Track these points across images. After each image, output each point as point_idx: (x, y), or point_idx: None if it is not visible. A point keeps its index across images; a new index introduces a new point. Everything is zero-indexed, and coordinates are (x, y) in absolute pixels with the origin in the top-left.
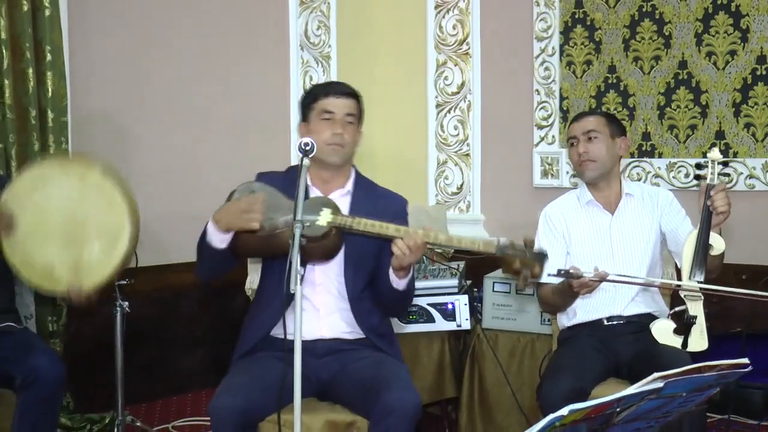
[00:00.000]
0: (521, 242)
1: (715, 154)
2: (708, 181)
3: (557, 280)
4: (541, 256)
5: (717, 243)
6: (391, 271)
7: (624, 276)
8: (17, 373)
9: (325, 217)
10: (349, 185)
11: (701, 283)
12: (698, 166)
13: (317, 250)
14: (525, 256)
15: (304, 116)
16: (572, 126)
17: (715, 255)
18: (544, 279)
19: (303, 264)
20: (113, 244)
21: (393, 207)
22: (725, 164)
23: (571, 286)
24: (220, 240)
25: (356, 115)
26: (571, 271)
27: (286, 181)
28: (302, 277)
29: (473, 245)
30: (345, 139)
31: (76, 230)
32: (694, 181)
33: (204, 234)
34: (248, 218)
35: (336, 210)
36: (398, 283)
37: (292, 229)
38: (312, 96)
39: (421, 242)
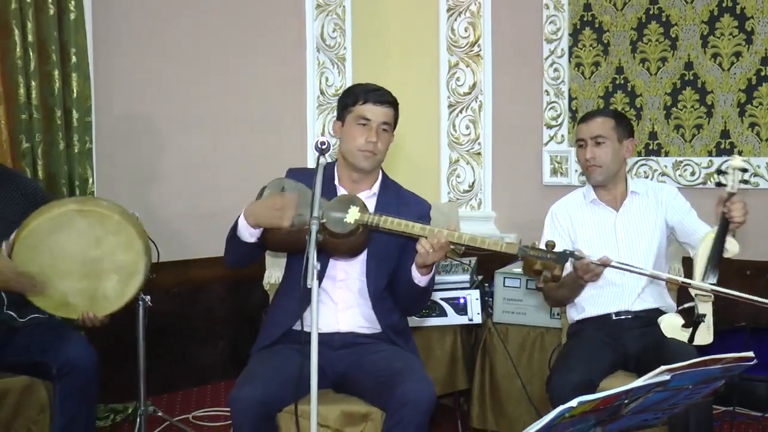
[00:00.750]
0: (543, 245)
1: (737, 162)
2: (729, 189)
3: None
4: (563, 257)
5: (732, 247)
6: (414, 267)
7: (628, 265)
8: (53, 362)
9: (352, 215)
10: (376, 187)
11: (713, 285)
12: (719, 173)
13: (344, 246)
14: (546, 258)
15: (340, 115)
16: (581, 127)
17: (727, 257)
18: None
19: (328, 258)
20: (128, 280)
21: (417, 211)
22: (744, 171)
23: (578, 273)
24: (249, 234)
25: (391, 123)
26: (576, 252)
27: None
28: (321, 272)
29: (496, 246)
30: (378, 147)
31: (93, 267)
32: (701, 180)
33: (235, 227)
34: (279, 216)
35: (364, 208)
36: (420, 279)
37: (319, 225)
38: (352, 98)
39: (445, 242)
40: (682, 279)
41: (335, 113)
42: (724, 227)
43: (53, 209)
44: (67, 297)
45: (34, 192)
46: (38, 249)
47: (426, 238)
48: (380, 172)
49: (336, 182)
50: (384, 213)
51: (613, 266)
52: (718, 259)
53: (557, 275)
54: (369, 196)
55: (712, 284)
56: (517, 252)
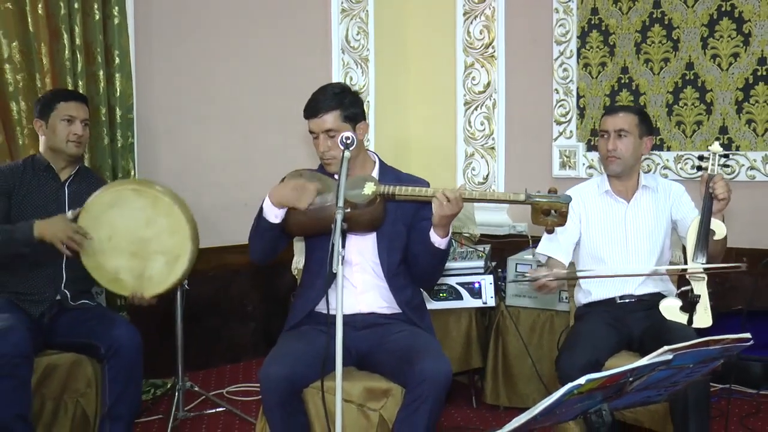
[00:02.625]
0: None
1: (716, 147)
2: (709, 171)
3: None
4: (566, 197)
5: (719, 228)
6: (432, 231)
7: (588, 271)
8: (101, 343)
9: (369, 188)
10: (375, 173)
11: (718, 268)
12: (701, 158)
13: (363, 217)
14: (551, 199)
15: None
16: (606, 119)
17: (717, 240)
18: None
19: (345, 239)
20: (174, 263)
21: None
22: (726, 156)
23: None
24: (274, 215)
25: (335, 128)
26: (527, 275)
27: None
28: (344, 258)
29: (505, 196)
30: (331, 153)
31: (142, 247)
32: (700, 173)
33: (259, 216)
34: (299, 196)
35: (378, 182)
36: (439, 242)
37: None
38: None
39: (458, 194)
40: (666, 268)
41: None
42: (709, 206)
43: (114, 186)
44: (118, 273)
45: (101, 184)
46: (99, 221)
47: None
48: (376, 159)
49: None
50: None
51: (564, 278)
52: (705, 239)
53: (564, 213)
54: None
55: (701, 263)
56: (525, 198)
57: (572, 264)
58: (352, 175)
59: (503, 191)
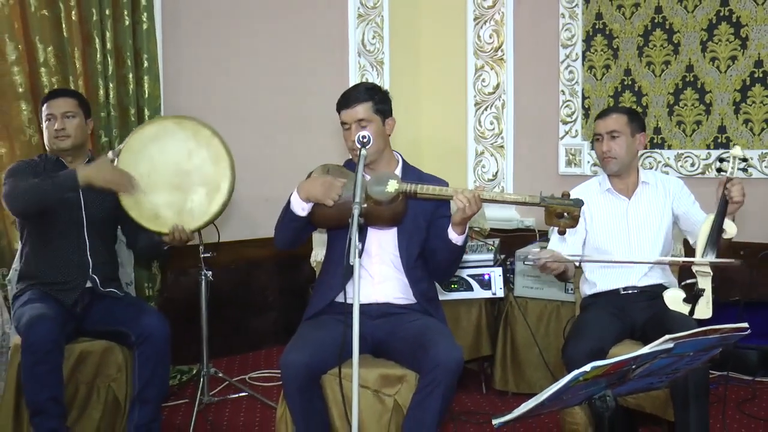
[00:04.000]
0: (559, 194)
1: (737, 151)
2: (728, 174)
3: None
4: (579, 201)
5: (730, 228)
6: (450, 228)
7: (592, 257)
8: (132, 331)
9: (392, 185)
10: (398, 172)
11: (712, 262)
12: (721, 160)
13: (385, 213)
14: (564, 203)
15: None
16: (598, 122)
17: (726, 238)
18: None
19: (365, 235)
20: (214, 194)
21: None
22: (745, 160)
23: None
24: (301, 208)
25: (367, 117)
26: (530, 257)
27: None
28: (361, 250)
29: (520, 198)
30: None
31: (183, 179)
32: (700, 170)
33: (287, 207)
34: (326, 191)
35: (400, 180)
36: (456, 239)
37: (361, 209)
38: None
39: (478, 195)
40: (672, 259)
41: None
42: (724, 207)
43: (155, 120)
44: (158, 209)
45: None
46: (141, 155)
47: (461, 192)
48: (399, 157)
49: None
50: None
51: (571, 261)
52: (716, 238)
53: (576, 216)
54: None
55: (711, 261)
56: (539, 201)
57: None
58: (376, 171)
59: (519, 193)
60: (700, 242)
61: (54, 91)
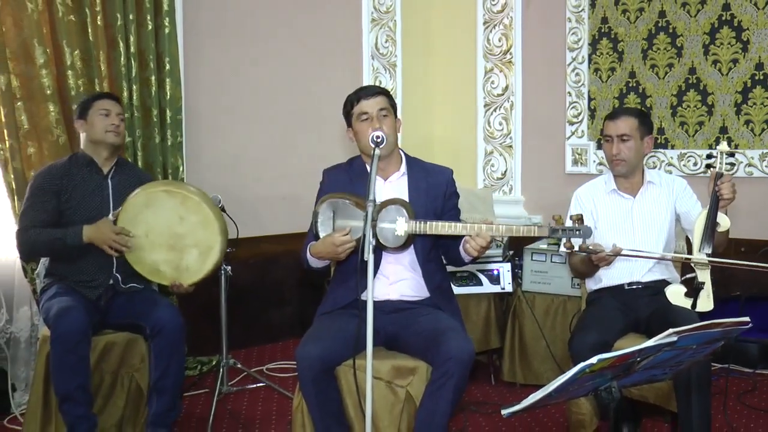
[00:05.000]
0: (569, 221)
1: (724, 146)
2: (717, 169)
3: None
4: (587, 231)
5: (723, 221)
6: (462, 251)
7: (637, 251)
8: (146, 324)
9: (401, 227)
10: (403, 167)
11: (709, 255)
12: (709, 156)
13: (395, 249)
14: (573, 235)
15: (348, 123)
16: (608, 124)
17: (721, 231)
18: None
19: (382, 250)
20: (207, 254)
21: (443, 178)
22: (732, 155)
23: (591, 260)
24: (317, 263)
25: (388, 108)
26: (591, 247)
27: (350, 171)
28: (374, 247)
29: (530, 232)
30: (385, 131)
31: (177, 241)
32: (702, 169)
33: (306, 261)
34: (337, 253)
35: (409, 213)
36: (467, 258)
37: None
38: (349, 105)
39: (489, 240)
40: (684, 256)
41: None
42: (715, 203)
43: (147, 188)
44: (158, 265)
45: (147, 180)
46: (136, 220)
47: (473, 238)
48: (402, 153)
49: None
50: (416, 189)
51: (624, 254)
52: (711, 232)
53: (583, 247)
54: (400, 176)
55: (707, 254)
56: (548, 234)
57: None
58: (383, 170)
59: (528, 225)
60: (696, 237)
61: (108, 93)
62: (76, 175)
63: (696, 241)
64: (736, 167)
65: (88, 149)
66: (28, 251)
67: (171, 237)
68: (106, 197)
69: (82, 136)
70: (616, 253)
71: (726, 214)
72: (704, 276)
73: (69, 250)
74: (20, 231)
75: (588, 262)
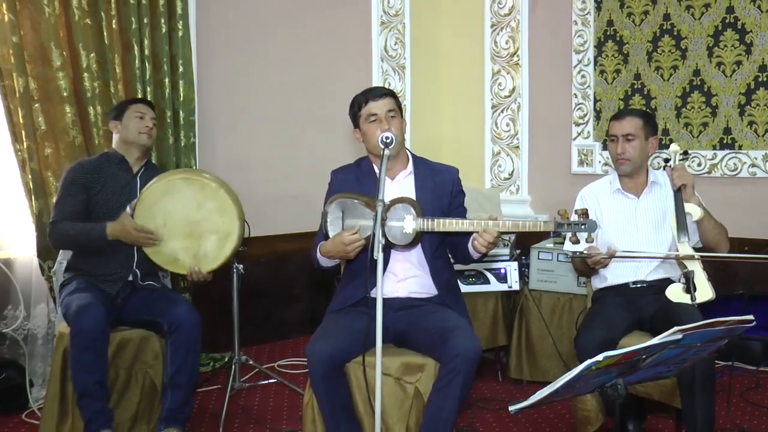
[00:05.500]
0: (574, 215)
1: (675, 147)
2: (671, 164)
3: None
4: (593, 225)
5: (693, 210)
6: (471, 249)
7: (632, 252)
8: (164, 321)
9: (409, 224)
10: (410, 167)
11: (694, 248)
12: (665, 160)
13: (404, 247)
14: (579, 229)
15: (355, 124)
16: (613, 124)
17: (697, 220)
18: (582, 245)
19: (389, 248)
20: (225, 240)
21: (449, 176)
22: (685, 153)
23: (587, 263)
24: (328, 262)
25: (396, 109)
26: (584, 252)
27: (358, 171)
28: (383, 248)
29: (535, 227)
30: (393, 132)
31: (195, 228)
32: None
33: (317, 260)
34: (346, 252)
35: (417, 210)
36: (476, 255)
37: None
38: (356, 106)
39: (497, 234)
40: (674, 254)
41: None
42: (677, 195)
43: (166, 176)
44: (176, 254)
45: None
46: (154, 210)
47: (480, 234)
48: (408, 152)
49: (376, 173)
50: (423, 188)
51: (618, 257)
52: (683, 222)
53: (590, 240)
54: (407, 175)
55: (692, 247)
56: (554, 228)
57: None
58: (390, 169)
59: (533, 220)
60: (672, 230)
61: (144, 99)
62: (106, 171)
63: (674, 233)
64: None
65: (121, 149)
66: (58, 242)
67: (189, 224)
68: (134, 194)
69: (115, 136)
70: (611, 255)
71: (700, 204)
72: (693, 265)
73: (94, 244)
74: (52, 223)
75: (585, 266)
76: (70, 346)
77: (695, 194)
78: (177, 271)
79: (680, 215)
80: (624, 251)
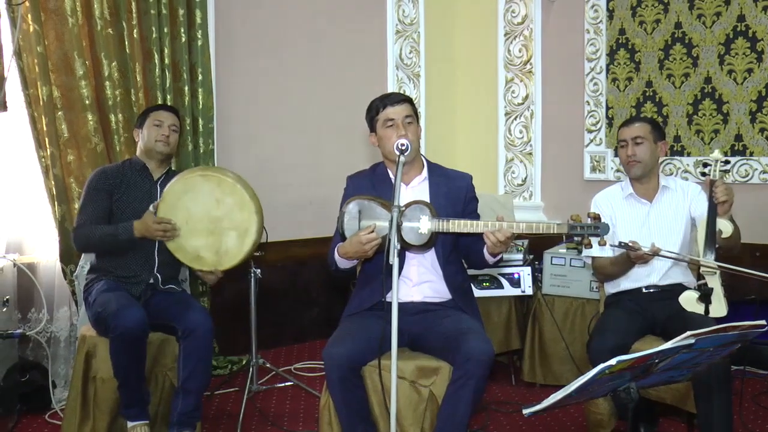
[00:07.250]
0: (587, 218)
1: (717, 154)
2: (711, 176)
3: (618, 250)
4: (605, 228)
5: (724, 227)
6: (485, 252)
7: (673, 252)
8: (179, 325)
9: (424, 225)
10: (425, 173)
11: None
12: (704, 165)
13: (419, 248)
14: (592, 232)
15: (372, 129)
16: (622, 130)
17: (726, 237)
18: (607, 249)
19: (404, 251)
20: (245, 236)
21: (463, 183)
22: (726, 162)
23: (629, 258)
24: (345, 264)
25: (413, 115)
26: (630, 243)
27: (373, 177)
28: (399, 251)
29: (549, 229)
30: (410, 138)
31: (216, 224)
32: (717, 176)
33: (334, 262)
34: (363, 252)
35: (432, 212)
36: (491, 259)
37: (390, 231)
38: (374, 110)
39: (509, 234)
40: (711, 262)
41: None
42: (713, 209)
43: (184, 175)
44: (199, 251)
45: None
46: (176, 208)
47: (492, 233)
48: (423, 158)
49: (392, 176)
50: (437, 194)
51: (662, 255)
52: (712, 238)
53: (602, 243)
54: (421, 181)
55: (716, 261)
56: (567, 231)
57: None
58: (405, 175)
59: (548, 222)
60: (699, 245)
61: (166, 105)
62: (129, 177)
63: (700, 247)
64: (750, 174)
65: (142, 156)
66: (83, 246)
67: (210, 221)
68: (154, 200)
69: (139, 144)
70: (655, 253)
71: (732, 220)
72: (713, 282)
73: (120, 245)
74: (76, 228)
75: (623, 262)
76: (111, 346)
77: (730, 210)
78: (200, 267)
79: (711, 230)
80: (666, 251)
